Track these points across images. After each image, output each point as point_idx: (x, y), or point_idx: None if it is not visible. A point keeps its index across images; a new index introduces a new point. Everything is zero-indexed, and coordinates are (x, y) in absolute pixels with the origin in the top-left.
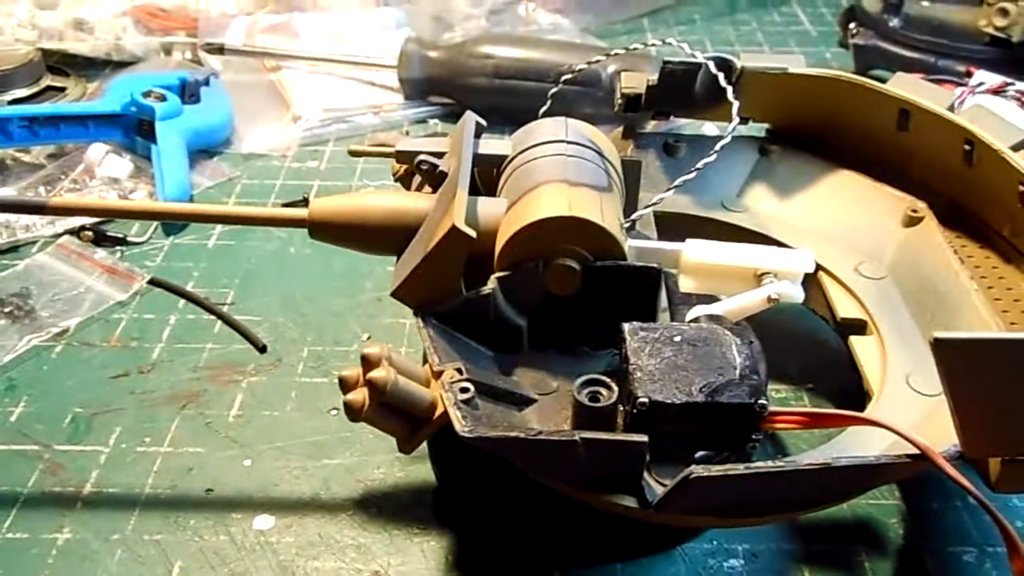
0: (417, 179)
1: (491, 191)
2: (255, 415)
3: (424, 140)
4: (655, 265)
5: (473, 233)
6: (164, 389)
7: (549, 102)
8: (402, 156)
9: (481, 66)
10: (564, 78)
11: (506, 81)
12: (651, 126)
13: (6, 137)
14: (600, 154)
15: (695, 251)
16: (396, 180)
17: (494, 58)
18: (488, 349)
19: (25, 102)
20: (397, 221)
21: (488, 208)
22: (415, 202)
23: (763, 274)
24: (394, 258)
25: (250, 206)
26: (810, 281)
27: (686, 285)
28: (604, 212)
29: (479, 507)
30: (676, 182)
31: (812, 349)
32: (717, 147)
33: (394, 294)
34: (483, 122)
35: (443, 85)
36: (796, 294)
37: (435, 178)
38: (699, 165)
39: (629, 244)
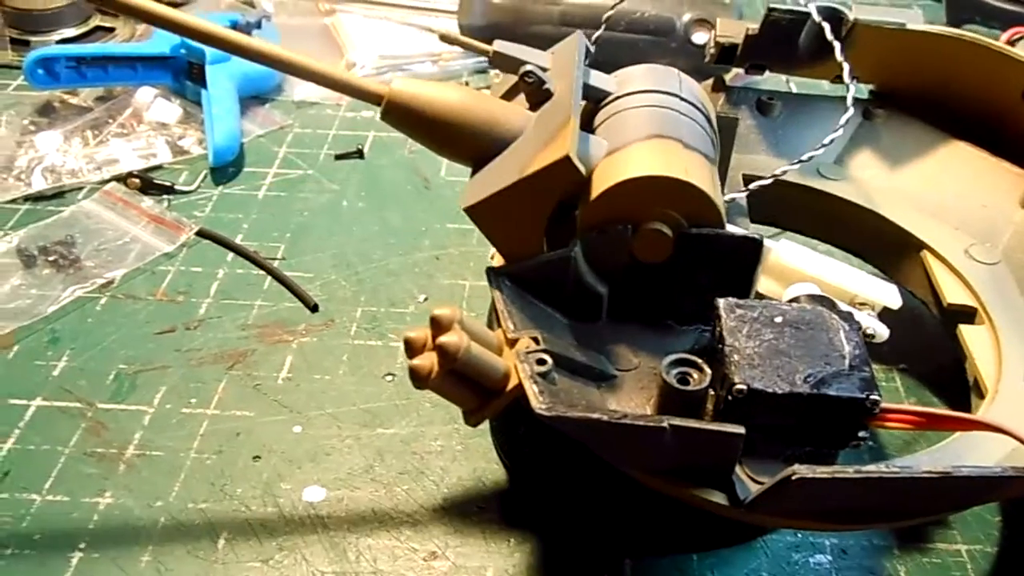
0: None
1: (582, 126)
2: (305, 378)
3: (523, 48)
4: (757, 235)
5: (584, 169)
6: (211, 347)
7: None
8: (498, 60)
9: (547, 13)
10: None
11: (573, 29)
12: (728, 77)
13: (52, 78)
14: (708, 120)
15: (788, 254)
16: (492, 65)
17: (561, 4)
18: (563, 316)
19: (73, 43)
20: (486, 128)
21: (591, 148)
22: (511, 113)
23: (859, 303)
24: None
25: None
26: (911, 260)
27: (763, 285)
28: (714, 182)
29: (544, 485)
30: (803, 156)
31: (906, 324)
32: (843, 120)
33: (468, 209)
34: (591, 47)
35: (506, 33)
36: (882, 331)
37: (539, 95)
38: (826, 141)
39: None
